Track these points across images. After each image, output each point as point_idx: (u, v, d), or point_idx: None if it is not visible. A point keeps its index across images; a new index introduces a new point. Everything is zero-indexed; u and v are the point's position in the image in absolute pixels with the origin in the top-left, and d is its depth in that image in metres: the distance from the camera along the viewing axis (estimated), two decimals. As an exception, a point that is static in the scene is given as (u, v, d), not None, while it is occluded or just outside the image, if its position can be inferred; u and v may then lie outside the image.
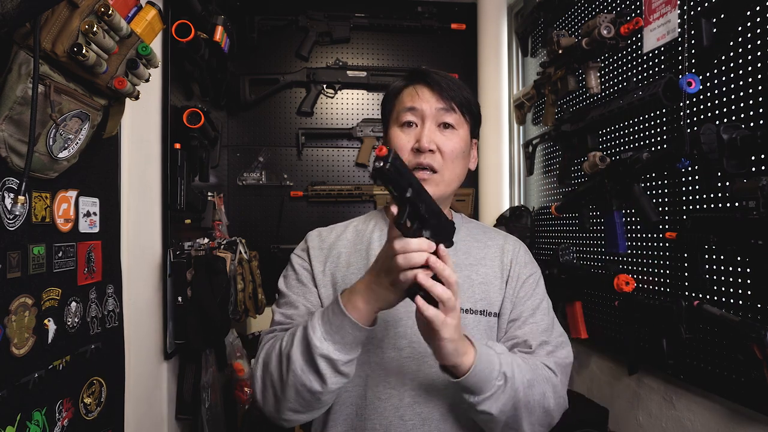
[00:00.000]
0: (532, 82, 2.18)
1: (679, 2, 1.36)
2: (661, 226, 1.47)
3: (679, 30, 1.36)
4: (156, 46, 1.40)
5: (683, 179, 1.39)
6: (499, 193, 2.55)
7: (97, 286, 1.23)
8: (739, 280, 1.21)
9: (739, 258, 1.21)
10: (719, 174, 1.22)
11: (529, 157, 2.33)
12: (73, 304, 1.13)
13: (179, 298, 1.73)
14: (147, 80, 1.14)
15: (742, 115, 1.21)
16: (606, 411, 1.74)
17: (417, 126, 0.98)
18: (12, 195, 0.93)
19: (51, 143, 0.98)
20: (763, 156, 1.14)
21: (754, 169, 1.16)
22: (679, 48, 1.37)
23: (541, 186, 2.30)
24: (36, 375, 1.00)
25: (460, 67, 2.68)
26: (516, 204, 2.52)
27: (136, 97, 1.15)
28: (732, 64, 1.24)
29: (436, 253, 0.73)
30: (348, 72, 2.63)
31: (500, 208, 2.50)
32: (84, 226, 1.18)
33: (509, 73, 2.60)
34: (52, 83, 0.94)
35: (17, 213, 0.95)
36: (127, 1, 1.07)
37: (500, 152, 2.55)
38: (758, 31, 1.17)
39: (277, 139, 2.66)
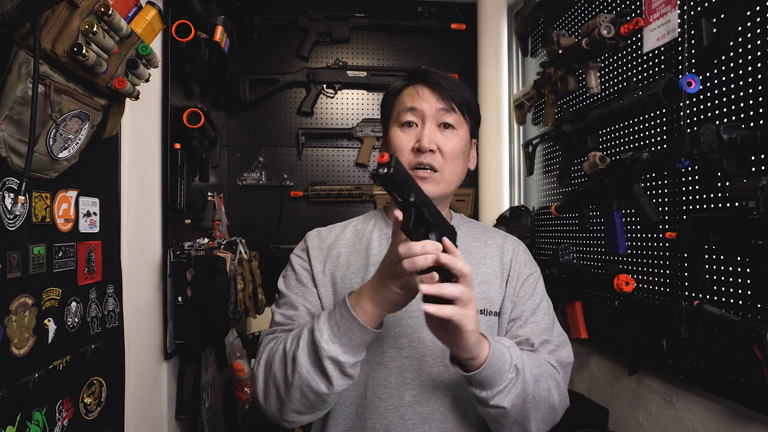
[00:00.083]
0: (532, 82, 2.18)
1: (679, 2, 1.36)
2: (661, 226, 1.47)
3: (679, 30, 1.36)
4: (156, 46, 1.40)
5: (683, 179, 1.39)
6: (499, 193, 2.55)
7: (97, 286, 1.23)
8: (739, 280, 1.21)
9: (739, 258, 1.21)
10: (719, 174, 1.22)
11: (529, 157, 2.33)
12: (73, 304, 1.13)
13: (179, 298, 1.73)
14: (147, 80, 1.14)
15: (742, 115, 1.21)
16: (606, 411, 1.74)
17: (417, 126, 0.98)
18: (12, 195, 0.93)
19: (51, 143, 0.98)
20: (763, 156, 1.14)
21: (754, 169, 1.16)
22: (679, 48, 1.37)
23: (541, 186, 2.30)
24: (36, 375, 1.00)
25: (460, 67, 2.68)
26: (516, 204, 2.52)
27: (136, 97, 1.15)
28: (732, 64, 1.24)
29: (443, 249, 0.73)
30: (348, 72, 2.63)
31: (500, 208, 2.50)
32: (84, 226, 1.18)
33: (509, 73, 2.60)
34: (52, 83, 0.94)
35: (17, 213, 0.95)
36: (127, 1, 1.07)
37: (500, 152, 2.55)
38: (758, 31, 1.17)
39: (277, 139, 2.66)
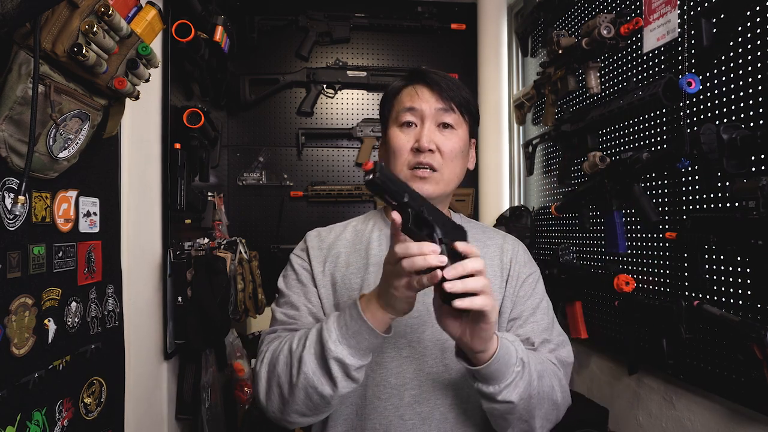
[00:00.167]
0: (532, 82, 2.18)
1: (679, 2, 1.36)
2: (661, 226, 1.47)
3: (679, 30, 1.36)
4: (156, 46, 1.40)
5: (683, 179, 1.39)
6: (499, 193, 2.55)
7: (97, 286, 1.23)
8: (739, 280, 1.21)
9: (739, 258, 1.21)
10: (719, 174, 1.22)
11: (529, 157, 2.33)
12: (73, 304, 1.13)
13: (179, 298, 1.73)
14: (147, 80, 1.14)
15: (742, 115, 1.21)
16: (606, 411, 1.74)
17: (416, 126, 0.98)
18: (12, 195, 0.93)
19: (51, 143, 0.98)
20: (763, 156, 1.14)
21: (754, 169, 1.16)
22: (679, 48, 1.37)
23: (541, 186, 2.30)
24: (36, 375, 1.00)
25: (460, 67, 2.68)
26: (516, 204, 2.52)
27: (136, 97, 1.15)
28: (732, 64, 1.24)
29: (452, 251, 0.72)
30: (348, 72, 2.63)
31: (500, 208, 2.50)
32: (84, 226, 1.18)
33: (509, 73, 2.60)
34: (52, 83, 0.94)
35: (17, 213, 0.95)
36: (127, 1, 1.07)
37: (500, 152, 2.55)
38: (758, 31, 1.17)
39: (277, 139, 2.66)
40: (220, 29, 1.85)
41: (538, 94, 2.16)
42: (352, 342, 0.79)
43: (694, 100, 1.34)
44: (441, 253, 0.70)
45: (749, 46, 1.19)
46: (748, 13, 1.19)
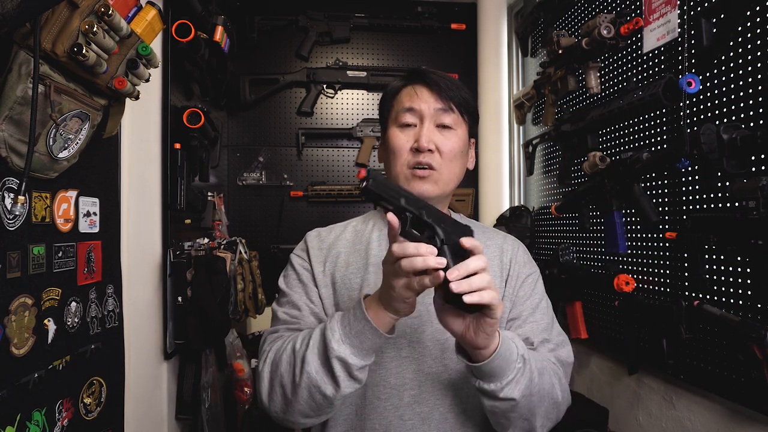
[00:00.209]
0: (532, 82, 2.18)
1: (679, 2, 1.36)
2: (661, 226, 1.47)
3: (679, 30, 1.36)
4: (156, 46, 1.40)
5: (683, 179, 1.39)
6: (499, 193, 2.55)
7: (97, 286, 1.23)
8: (739, 280, 1.21)
9: (739, 258, 1.21)
10: (719, 174, 1.22)
11: (529, 157, 2.33)
12: (73, 304, 1.13)
13: (179, 298, 1.73)
14: (147, 80, 1.14)
15: (742, 115, 1.21)
16: (606, 411, 1.74)
17: (416, 126, 0.98)
18: (12, 195, 0.93)
19: (51, 143, 0.98)
20: (763, 156, 1.14)
21: (754, 169, 1.16)
22: (679, 48, 1.37)
23: (541, 186, 2.30)
24: (36, 375, 1.00)
25: (460, 67, 2.68)
26: (516, 204, 2.52)
27: (136, 97, 1.15)
28: (732, 64, 1.24)
29: (456, 249, 0.72)
30: (348, 72, 2.63)
31: (500, 208, 2.50)
32: (84, 226, 1.18)
33: (509, 73, 2.60)
34: (52, 83, 0.94)
35: (17, 213, 0.95)
36: (127, 1, 1.07)
37: (500, 152, 2.55)
38: (758, 31, 1.17)
39: (277, 139, 2.66)
40: (220, 29, 1.85)
41: (538, 94, 2.16)
42: (355, 341, 0.79)
43: (694, 100, 1.34)
44: (440, 254, 0.70)
45: (749, 46, 1.19)
46: (748, 13, 1.19)
